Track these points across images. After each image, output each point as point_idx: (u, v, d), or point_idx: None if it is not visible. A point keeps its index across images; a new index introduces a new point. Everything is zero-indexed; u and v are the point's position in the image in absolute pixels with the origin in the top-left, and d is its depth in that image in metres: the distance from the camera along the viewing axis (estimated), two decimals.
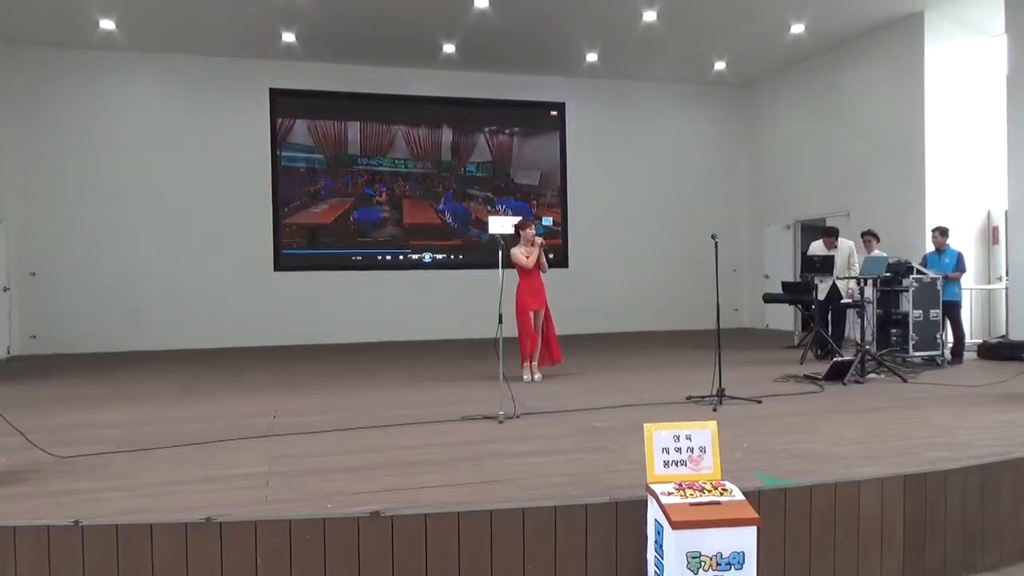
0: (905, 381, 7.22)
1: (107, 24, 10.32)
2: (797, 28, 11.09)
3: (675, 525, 3.01)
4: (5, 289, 10.74)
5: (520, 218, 8.60)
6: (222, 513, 3.27)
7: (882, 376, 7.49)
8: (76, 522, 3.19)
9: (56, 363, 10.13)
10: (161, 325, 11.84)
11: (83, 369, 9.42)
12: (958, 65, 10.65)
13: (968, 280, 9.75)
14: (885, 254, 8.78)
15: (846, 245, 9.32)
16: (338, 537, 3.23)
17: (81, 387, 7.93)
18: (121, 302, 11.70)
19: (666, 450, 3.33)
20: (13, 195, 11.24)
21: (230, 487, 3.79)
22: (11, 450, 4.42)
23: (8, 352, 10.90)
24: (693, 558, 3.01)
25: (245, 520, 3.23)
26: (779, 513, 3.56)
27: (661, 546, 3.14)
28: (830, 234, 9.34)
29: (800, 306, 11.15)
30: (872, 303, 8.45)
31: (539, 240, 7.68)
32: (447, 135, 13.23)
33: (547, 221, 13.56)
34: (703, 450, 3.35)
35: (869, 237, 9.20)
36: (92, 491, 3.75)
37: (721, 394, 6.04)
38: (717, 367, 6.15)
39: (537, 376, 7.66)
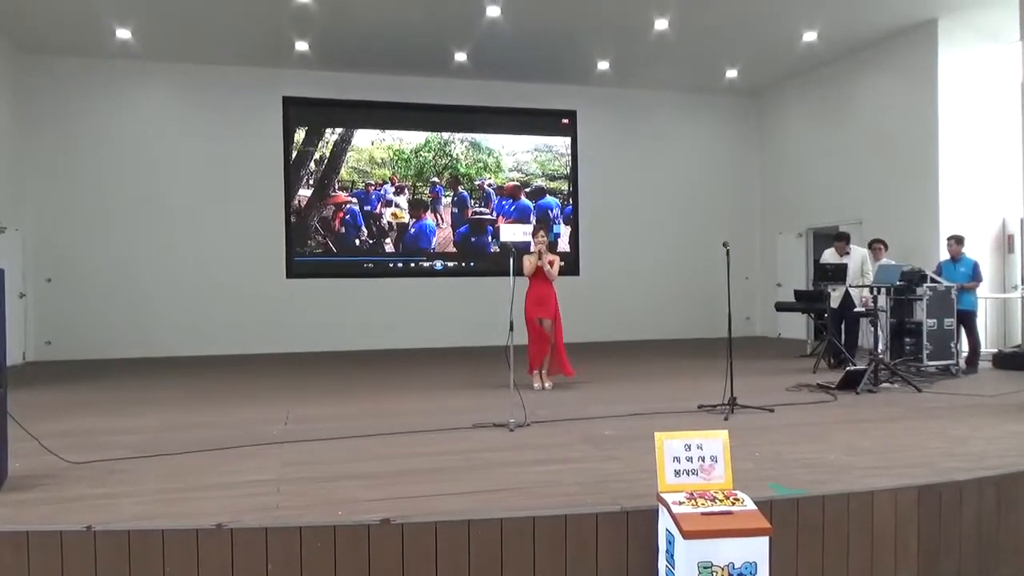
0: (919, 391, 7.16)
1: (123, 33, 10.43)
2: (809, 36, 11.06)
3: (687, 535, 2.99)
4: (21, 295, 10.84)
5: (532, 225, 8.64)
6: (233, 520, 3.28)
7: (896, 386, 7.43)
8: (88, 527, 3.20)
9: (70, 369, 10.20)
10: (174, 332, 11.91)
11: (96, 375, 9.49)
12: (972, 72, 10.59)
13: (983, 289, 9.66)
14: (893, 261, 8.73)
15: (859, 253, 9.29)
16: (348, 544, 3.23)
17: (94, 393, 7.98)
18: (135, 309, 11.79)
19: (677, 459, 3.31)
20: (29, 202, 11.36)
21: (241, 494, 3.80)
22: (25, 455, 4.45)
23: (24, 358, 10.98)
24: (704, 568, 2.99)
25: (256, 527, 3.24)
26: (791, 523, 3.53)
27: (672, 556, 3.12)
28: (841, 239, 9.31)
29: (813, 315, 11.08)
30: (886, 312, 8.40)
31: (539, 248, 7.70)
32: (459, 142, 13.29)
33: (558, 229, 13.57)
34: (715, 459, 3.33)
35: (879, 245, 9.28)
36: (104, 497, 3.78)
37: (733, 403, 6.02)
38: (729, 376, 6.12)
39: (548, 384, 7.64)
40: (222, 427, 5.68)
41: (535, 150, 13.70)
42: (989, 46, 10.64)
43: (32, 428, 4.52)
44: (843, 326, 9.37)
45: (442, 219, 13.25)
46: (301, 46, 11.15)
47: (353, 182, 12.89)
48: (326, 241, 12.75)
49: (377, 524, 3.26)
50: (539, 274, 7.64)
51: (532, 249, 7.85)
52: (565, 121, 13.75)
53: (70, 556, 3.17)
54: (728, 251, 6.48)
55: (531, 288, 7.70)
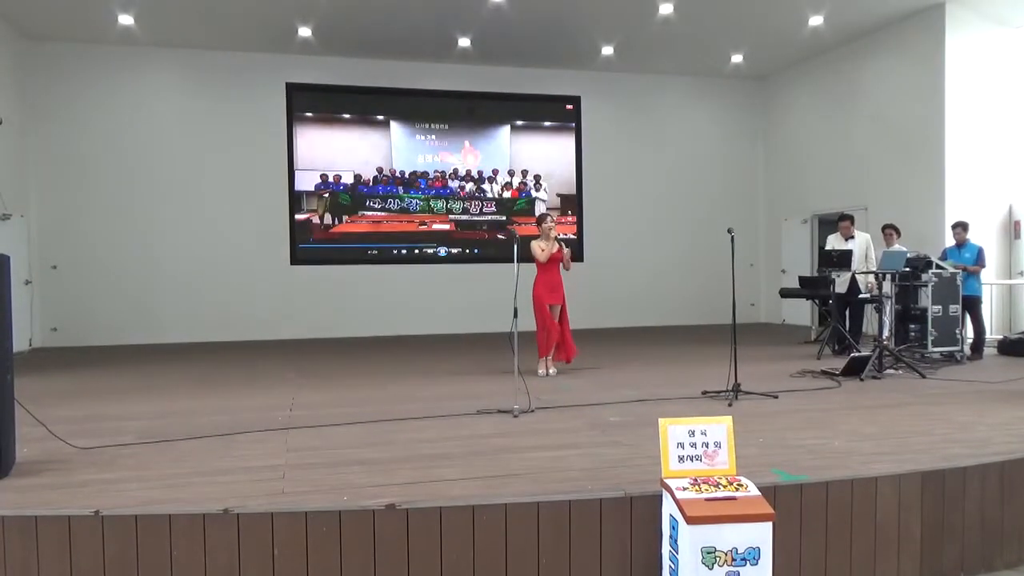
0: (923, 377, 7.16)
1: (126, 20, 10.41)
2: (815, 20, 10.97)
3: (690, 520, 3.00)
4: (27, 282, 10.87)
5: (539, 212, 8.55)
6: (239, 504, 3.30)
7: (900, 372, 7.43)
8: (96, 512, 3.23)
9: (77, 355, 10.25)
10: (179, 318, 11.95)
11: (103, 361, 9.53)
12: (979, 57, 10.50)
13: (989, 275, 9.64)
14: (905, 248, 8.70)
15: (863, 238, 9.24)
16: (354, 529, 3.26)
17: (101, 379, 8.02)
18: (140, 296, 11.83)
19: (681, 445, 3.32)
20: (34, 189, 11.37)
21: (247, 479, 3.83)
22: (33, 441, 4.48)
23: (30, 344, 11.03)
24: (708, 553, 3.01)
25: (262, 512, 3.26)
26: (795, 509, 3.55)
27: (676, 541, 3.13)
28: (845, 219, 9.24)
29: (817, 301, 11.06)
30: (891, 298, 8.38)
31: (553, 234, 7.62)
32: (462, 127, 13.24)
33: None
34: (718, 445, 3.34)
35: (891, 231, 9.11)
36: (112, 482, 3.80)
37: (737, 389, 6.02)
38: (733, 362, 6.12)
39: (552, 371, 7.64)
40: (228, 413, 5.70)
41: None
42: (997, 30, 10.55)
43: (39, 414, 4.55)
44: (848, 312, 9.35)
45: None
46: (304, 32, 11.11)
47: None
48: (329, 228, 12.73)
49: (382, 509, 3.29)
50: (550, 260, 7.60)
51: (551, 235, 7.61)
52: (569, 107, 13.69)
53: (78, 541, 3.20)
54: (733, 237, 6.46)
55: (542, 275, 7.62)
